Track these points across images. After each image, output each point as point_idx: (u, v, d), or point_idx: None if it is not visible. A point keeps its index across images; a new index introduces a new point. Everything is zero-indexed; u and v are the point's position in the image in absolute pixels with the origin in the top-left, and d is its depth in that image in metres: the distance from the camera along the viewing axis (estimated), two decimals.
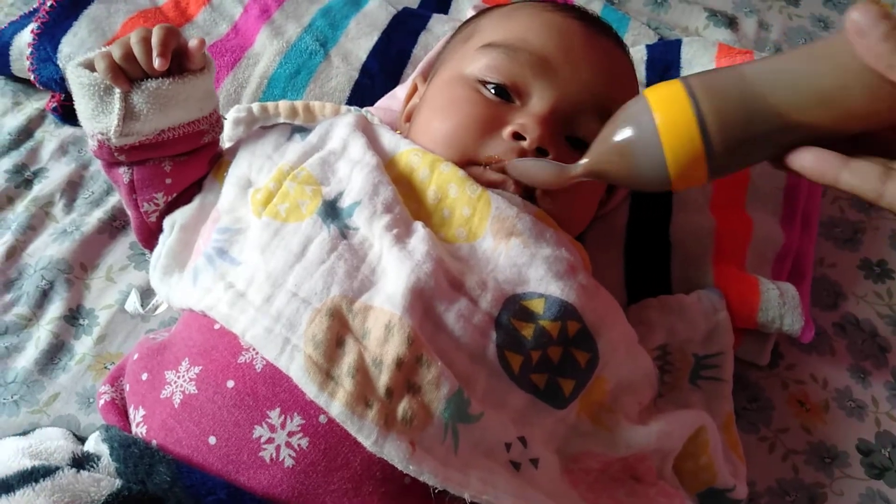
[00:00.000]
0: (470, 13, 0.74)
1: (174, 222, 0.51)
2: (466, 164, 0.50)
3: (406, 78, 0.69)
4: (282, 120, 0.56)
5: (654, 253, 0.61)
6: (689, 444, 0.50)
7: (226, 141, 0.56)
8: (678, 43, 0.78)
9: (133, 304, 0.55)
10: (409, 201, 0.47)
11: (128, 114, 0.46)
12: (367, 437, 0.37)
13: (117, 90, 0.46)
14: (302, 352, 0.39)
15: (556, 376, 0.45)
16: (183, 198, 0.53)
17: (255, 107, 0.56)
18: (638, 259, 0.61)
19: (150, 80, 0.46)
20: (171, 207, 0.53)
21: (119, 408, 0.45)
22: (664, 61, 0.77)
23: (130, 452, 0.39)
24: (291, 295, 0.41)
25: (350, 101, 0.66)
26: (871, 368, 0.64)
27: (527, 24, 0.54)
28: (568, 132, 0.51)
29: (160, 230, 0.53)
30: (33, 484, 0.35)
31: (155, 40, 0.46)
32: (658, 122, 0.38)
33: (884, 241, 0.72)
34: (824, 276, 0.69)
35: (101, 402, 0.46)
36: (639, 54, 0.78)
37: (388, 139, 0.51)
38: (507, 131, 0.49)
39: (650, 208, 0.63)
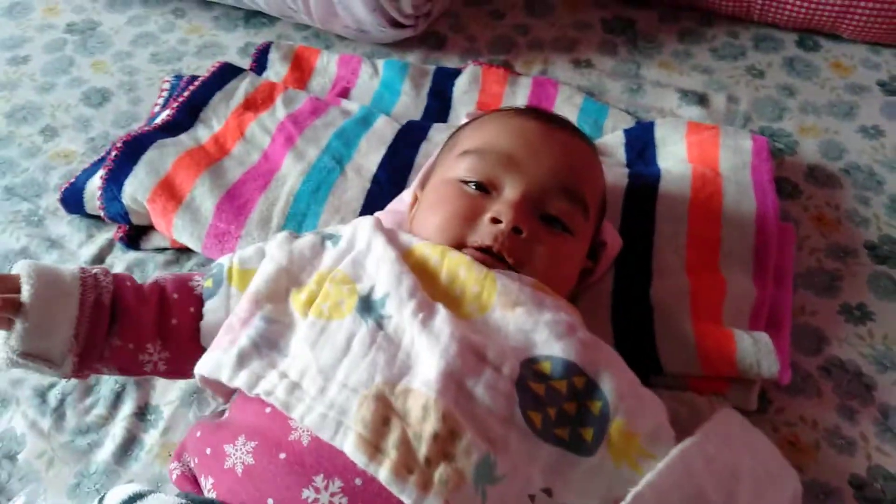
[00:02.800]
0: (464, 120, 0.85)
1: (209, 333, 0.58)
2: (457, 247, 0.60)
3: (410, 182, 0.79)
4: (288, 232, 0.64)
5: (638, 315, 0.69)
6: None
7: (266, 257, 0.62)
8: (651, 125, 0.88)
9: (193, 412, 0.64)
10: (426, 285, 0.56)
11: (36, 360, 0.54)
12: (408, 497, 0.45)
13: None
14: (353, 431, 0.47)
15: (577, 427, 0.52)
16: (176, 337, 0.59)
17: (287, 232, 0.65)
18: (624, 322, 0.69)
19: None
20: (169, 350, 0.59)
21: (190, 478, 0.53)
22: (641, 142, 0.87)
23: None
24: (342, 386, 0.50)
25: (364, 207, 0.77)
26: (858, 407, 0.68)
27: (494, 131, 0.65)
28: (540, 212, 0.62)
29: (179, 367, 0.59)
30: None
31: None
32: None
33: (862, 286, 0.77)
34: (806, 323, 0.74)
35: (174, 476, 0.54)
36: (617, 139, 0.88)
37: (403, 236, 0.61)
38: (487, 217, 0.60)
39: (632, 276, 0.71)
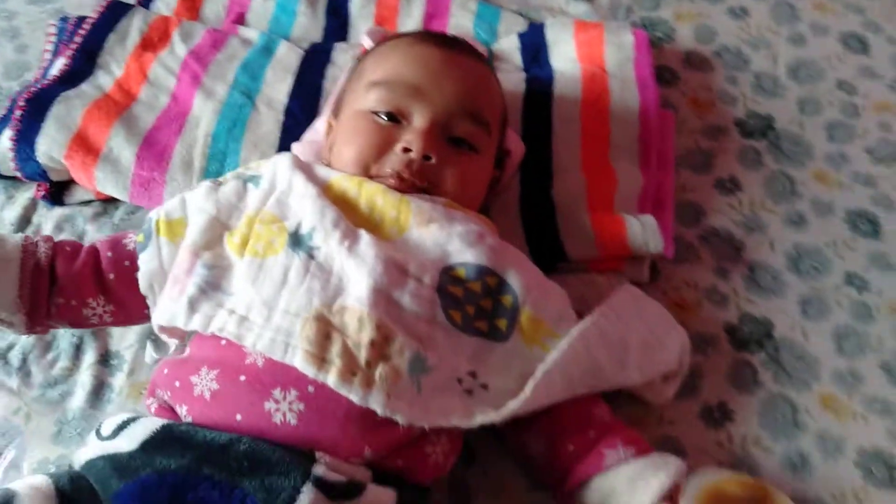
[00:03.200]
0: (364, 38, 0.88)
1: (151, 283, 0.63)
2: (373, 177, 0.66)
3: (322, 109, 0.83)
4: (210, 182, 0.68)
5: (544, 213, 0.77)
6: None
7: (193, 209, 0.66)
8: (542, 26, 0.93)
9: (150, 355, 0.70)
10: (348, 215, 0.62)
11: None
12: (355, 395, 0.54)
13: None
14: (300, 348, 0.55)
15: (492, 319, 0.61)
16: (110, 287, 0.65)
17: (209, 181, 0.69)
18: (532, 221, 0.78)
19: None
20: (112, 304, 0.65)
21: (167, 409, 0.60)
22: (534, 45, 0.92)
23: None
24: (284, 312, 0.57)
25: (281, 141, 0.80)
26: (730, 266, 0.81)
27: (398, 61, 0.70)
28: (447, 135, 0.68)
29: (125, 316, 0.66)
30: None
31: None
32: None
33: (732, 160, 0.88)
34: (687, 199, 0.85)
35: (152, 409, 0.61)
36: (513, 44, 0.93)
37: (321, 170, 0.67)
38: (398, 147, 0.66)
39: (535, 178, 0.79)
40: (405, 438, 0.57)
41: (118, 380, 0.73)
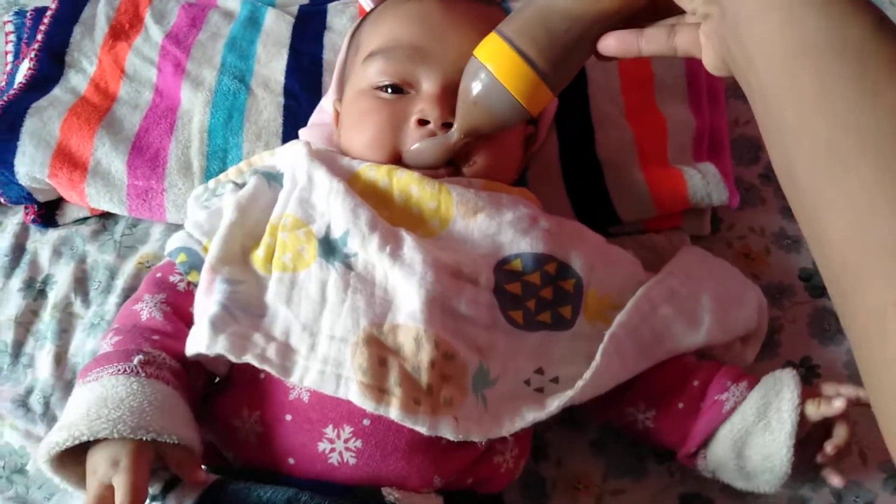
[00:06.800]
0: None
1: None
2: (394, 161, 0.57)
3: (325, 86, 0.73)
4: (231, 183, 0.60)
5: (589, 173, 0.69)
6: None
7: (191, 223, 0.59)
8: None
9: None
10: (381, 211, 0.54)
11: None
12: (422, 426, 0.47)
13: None
14: (354, 380, 0.47)
15: (556, 308, 0.55)
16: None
17: (211, 183, 0.61)
18: (576, 183, 0.69)
19: None
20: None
21: (213, 451, 0.54)
22: None
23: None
24: (330, 338, 0.49)
25: (285, 126, 0.71)
26: None
27: (392, 24, 0.60)
28: None
29: None
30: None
31: None
32: (494, 72, 0.48)
33: None
34: (742, 134, 0.77)
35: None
36: None
37: (342, 160, 0.58)
38: (412, 121, 0.57)
39: (575, 133, 0.71)
40: (474, 454, 0.52)
41: None
